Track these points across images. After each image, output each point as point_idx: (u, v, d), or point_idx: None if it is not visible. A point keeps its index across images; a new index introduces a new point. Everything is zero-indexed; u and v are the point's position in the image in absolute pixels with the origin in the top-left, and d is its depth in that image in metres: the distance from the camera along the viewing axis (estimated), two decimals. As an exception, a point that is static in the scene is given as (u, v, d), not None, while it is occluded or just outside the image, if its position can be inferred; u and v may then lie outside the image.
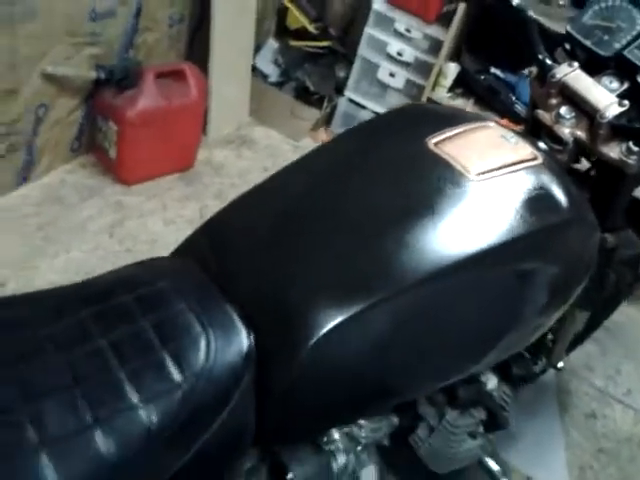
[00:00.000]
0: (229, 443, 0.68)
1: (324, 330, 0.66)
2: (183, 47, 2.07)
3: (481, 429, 1.02)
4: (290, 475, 0.78)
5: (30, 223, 1.68)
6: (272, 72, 2.44)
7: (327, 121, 2.44)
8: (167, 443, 0.59)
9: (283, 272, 0.72)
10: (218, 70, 2.04)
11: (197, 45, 2.07)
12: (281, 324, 0.69)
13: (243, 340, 0.66)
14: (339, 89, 2.41)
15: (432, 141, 0.85)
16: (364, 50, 2.30)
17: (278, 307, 0.70)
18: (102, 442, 0.54)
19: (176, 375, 0.60)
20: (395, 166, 0.84)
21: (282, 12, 2.42)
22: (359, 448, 0.84)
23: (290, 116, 2.36)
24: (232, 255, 0.76)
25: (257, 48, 2.34)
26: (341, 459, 0.81)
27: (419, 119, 0.95)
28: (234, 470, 0.77)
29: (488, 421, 1.03)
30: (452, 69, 2.21)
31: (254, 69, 2.34)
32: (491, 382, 0.99)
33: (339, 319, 0.67)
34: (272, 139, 2.33)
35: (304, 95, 2.41)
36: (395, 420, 0.88)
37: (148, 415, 0.57)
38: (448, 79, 2.22)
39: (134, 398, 0.58)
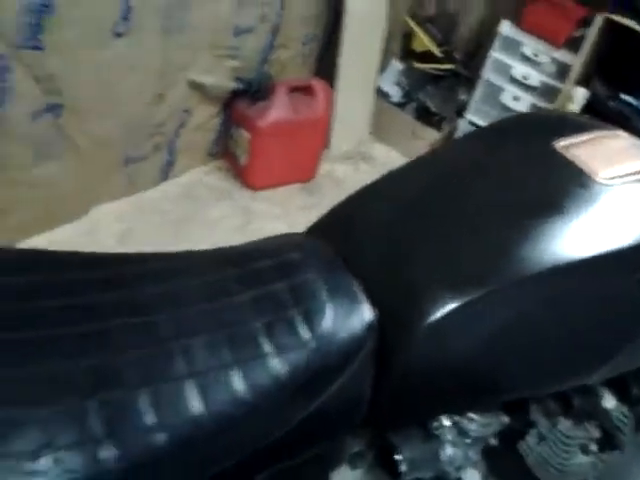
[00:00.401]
0: (343, 411, 0.71)
1: (440, 313, 0.69)
2: (313, 63, 2.19)
3: (594, 447, 0.99)
4: (399, 457, 0.80)
5: (167, 217, 1.84)
6: (394, 93, 2.50)
7: (446, 142, 2.46)
8: (292, 395, 0.64)
9: (404, 255, 0.76)
10: (344, 87, 2.13)
11: (325, 62, 2.18)
12: (399, 303, 0.72)
13: (365, 311, 0.70)
14: (460, 111, 2.43)
15: (560, 144, 0.86)
16: (488, 73, 2.30)
17: (398, 287, 0.73)
18: (239, 382, 0.60)
19: (305, 333, 0.65)
20: (519, 165, 0.85)
21: (408, 35, 2.49)
22: (468, 441, 0.84)
23: (410, 136, 2.40)
24: (357, 236, 0.80)
25: (381, 69, 2.41)
26: (449, 449, 0.83)
27: (547, 124, 0.96)
28: (339, 451, 0.80)
29: (602, 440, 0.99)
30: (581, 94, 2.16)
31: (377, 89, 2.41)
32: (609, 401, 0.96)
33: (455, 304, 0.69)
34: (391, 157, 2.38)
35: (425, 116, 2.44)
36: (505, 419, 0.88)
37: (279, 365, 0.62)
38: (576, 104, 2.17)
39: (267, 348, 0.63)
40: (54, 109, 1.48)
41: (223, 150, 2.07)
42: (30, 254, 0.67)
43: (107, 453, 0.52)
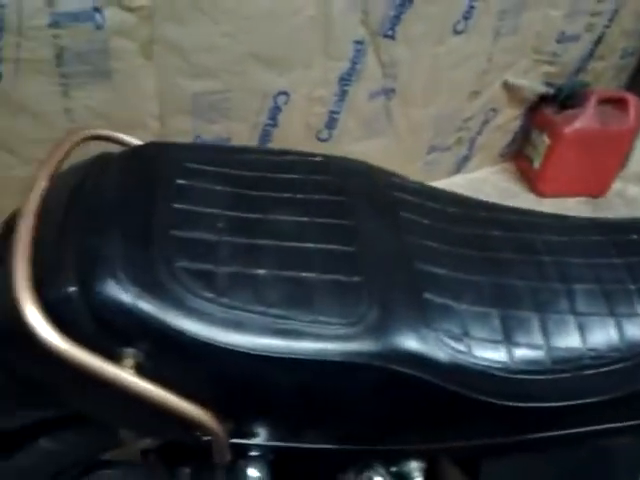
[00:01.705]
0: None
1: None
2: (625, 77, 2.13)
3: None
4: None
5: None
6: None
7: None
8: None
9: None
10: (656, 106, 2.03)
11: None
12: None
13: None
14: None
15: None
16: None
17: None
18: (614, 332, 0.66)
19: None
20: None
21: None
22: None
23: None
24: None
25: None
26: None
27: None
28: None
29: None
30: None
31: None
32: None
33: None
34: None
35: None
36: None
37: None
38: None
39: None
40: (387, 92, 1.68)
41: (514, 152, 2.12)
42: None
43: (501, 354, 0.62)
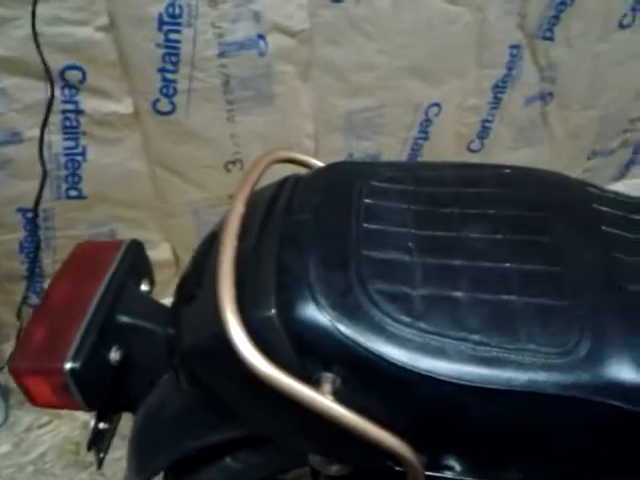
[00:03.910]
0: None
1: None
2: None
3: None
4: None
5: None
6: None
7: None
8: None
9: None
10: None
11: None
12: None
13: None
14: None
15: None
16: None
17: None
18: None
19: None
20: None
21: None
22: None
23: None
24: None
25: None
26: None
27: None
28: None
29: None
30: None
31: None
32: None
33: None
34: None
35: None
36: None
37: None
38: None
39: None
40: (545, 97, 1.59)
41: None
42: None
43: None
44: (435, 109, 1.49)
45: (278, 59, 1.25)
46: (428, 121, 1.51)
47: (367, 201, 0.60)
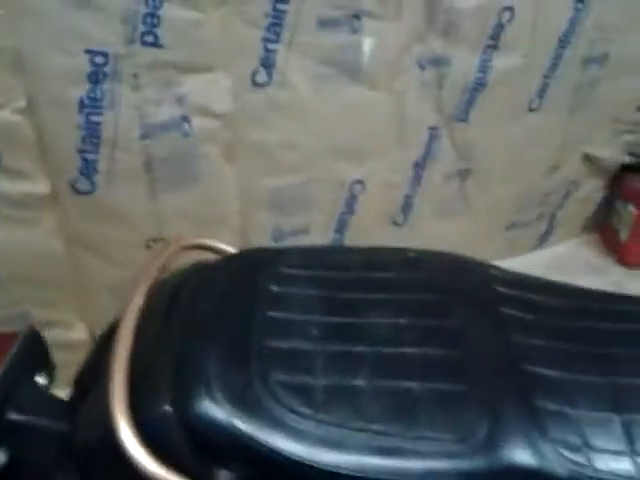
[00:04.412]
0: None
1: None
2: None
3: None
4: None
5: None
6: None
7: None
8: None
9: None
10: None
11: None
12: None
13: None
14: None
15: None
16: None
17: None
18: None
19: None
20: None
21: None
22: None
23: None
24: None
25: None
26: None
27: None
28: None
29: None
30: None
31: None
32: None
33: None
34: None
35: None
36: None
37: None
38: None
39: None
40: (463, 173, 1.67)
41: (597, 224, 2.03)
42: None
43: (626, 466, 0.56)
44: (359, 187, 1.54)
45: (202, 140, 1.27)
46: (353, 197, 1.55)
47: (274, 288, 0.60)
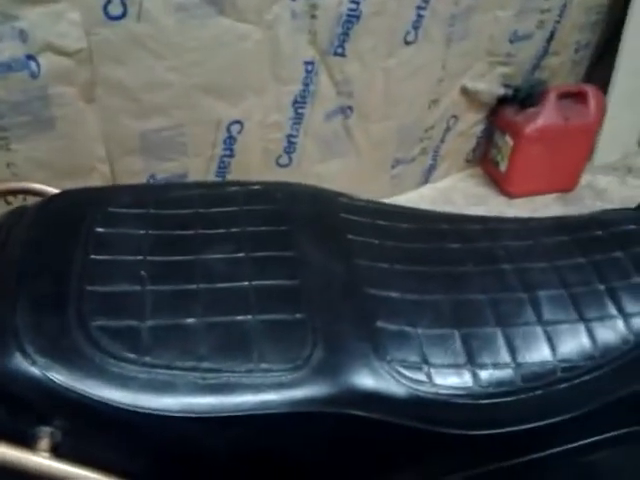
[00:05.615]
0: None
1: None
2: (582, 71, 2.12)
3: None
4: None
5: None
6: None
7: None
8: (632, 361, 0.63)
9: None
10: (617, 97, 2.02)
11: (599, 70, 2.09)
12: None
13: None
14: None
15: None
16: None
17: None
18: (585, 337, 0.61)
19: None
20: None
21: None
22: None
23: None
24: None
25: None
26: None
27: None
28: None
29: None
30: None
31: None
32: None
33: None
34: (661, 171, 2.20)
35: None
36: None
37: (624, 329, 0.63)
38: None
39: (612, 310, 0.64)
40: (345, 110, 1.65)
41: (480, 157, 2.09)
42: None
43: (466, 379, 0.57)
44: (237, 126, 1.48)
45: (54, 81, 1.16)
46: (232, 138, 1.50)
47: (99, 230, 0.56)
